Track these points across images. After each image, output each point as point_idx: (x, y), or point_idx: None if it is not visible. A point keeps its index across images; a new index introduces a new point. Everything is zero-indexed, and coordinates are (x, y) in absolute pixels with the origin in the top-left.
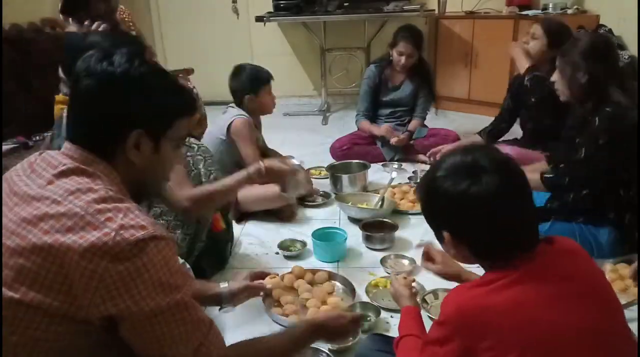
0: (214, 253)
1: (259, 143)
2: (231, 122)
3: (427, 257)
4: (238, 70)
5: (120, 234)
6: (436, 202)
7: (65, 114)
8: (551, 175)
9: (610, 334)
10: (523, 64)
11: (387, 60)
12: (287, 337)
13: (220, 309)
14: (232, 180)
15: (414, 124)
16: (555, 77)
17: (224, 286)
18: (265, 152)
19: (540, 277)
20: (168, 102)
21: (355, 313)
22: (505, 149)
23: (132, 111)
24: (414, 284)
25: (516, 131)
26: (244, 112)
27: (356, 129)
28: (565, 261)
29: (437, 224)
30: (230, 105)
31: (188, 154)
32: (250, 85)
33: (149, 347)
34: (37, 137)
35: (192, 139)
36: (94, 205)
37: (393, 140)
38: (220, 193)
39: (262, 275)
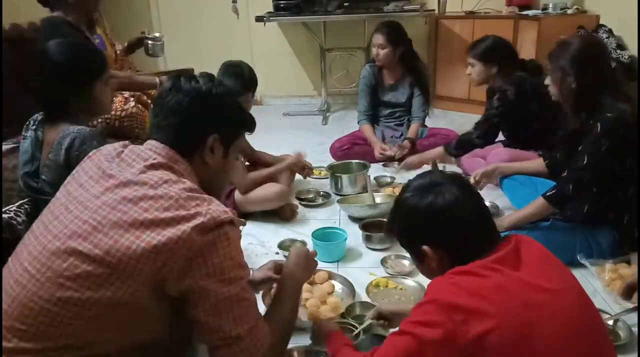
0: None
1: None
2: None
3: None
4: (228, 69)
5: (210, 213)
6: (410, 222)
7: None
8: (553, 191)
9: (579, 312)
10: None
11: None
12: (285, 295)
13: None
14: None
15: (413, 128)
16: (547, 81)
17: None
18: (252, 156)
19: (510, 263)
20: (236, 117)
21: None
22: (501, 151)
23: (212, 120)
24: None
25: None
26: None
27: (356, 129)
28: (527, 252)
29: (415, 242)
30: None
31: None
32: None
33: (215, 321)
34: None
35: None
36: (185, 193)
37: (390, 154)
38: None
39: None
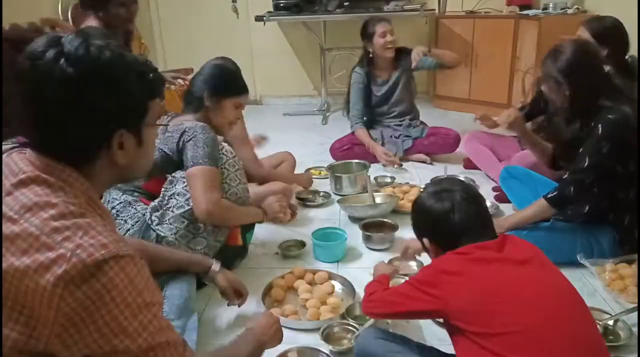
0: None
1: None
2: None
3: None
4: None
5: (77, 254)
6: (415, 217)
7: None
8: (554, 193)
9: (555, 297)
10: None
11: (368, 58)
12: (242, 347)
13: (228, 304)
14: (250, 213)
15: (445, 54)
16: (543, 88)
17: (215, 267)
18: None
19: (501, 256)
20: (140, 90)
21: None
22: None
23: (107, 114)
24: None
25: None
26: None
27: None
28: (518, 249)
29: (418, 234)
30: None
31: (224, 165)
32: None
33: None
34: None
35: (226, 147)
36: (51, 222)
37: (397, 161)
38: (242, 217)
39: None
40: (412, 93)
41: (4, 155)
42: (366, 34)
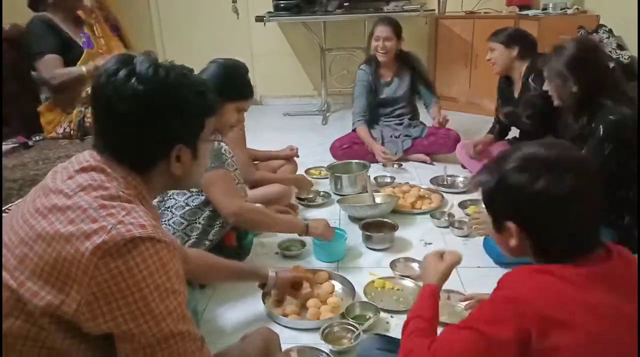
0: None
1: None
2: None
3: None
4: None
5: (117, 228)
6: (508, 193)
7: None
8: None
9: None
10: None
11: (374, 59)
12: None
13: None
14: (286, 221)
15: (435, 109)
16: (546, 86)
17: (272, 274)
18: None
19: (602, 283)
20: (199, 108)
21: None
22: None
23: (170, 130)
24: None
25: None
26: None
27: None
28: (623, 272)
29: (503, 214)
30: None
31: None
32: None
33: None
34: (37, 137)
35: (225, 147)
36: (100, 200)
37: (394, 159)
38: (273, 223)
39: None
40: (416, 94)
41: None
42: (370, 34)
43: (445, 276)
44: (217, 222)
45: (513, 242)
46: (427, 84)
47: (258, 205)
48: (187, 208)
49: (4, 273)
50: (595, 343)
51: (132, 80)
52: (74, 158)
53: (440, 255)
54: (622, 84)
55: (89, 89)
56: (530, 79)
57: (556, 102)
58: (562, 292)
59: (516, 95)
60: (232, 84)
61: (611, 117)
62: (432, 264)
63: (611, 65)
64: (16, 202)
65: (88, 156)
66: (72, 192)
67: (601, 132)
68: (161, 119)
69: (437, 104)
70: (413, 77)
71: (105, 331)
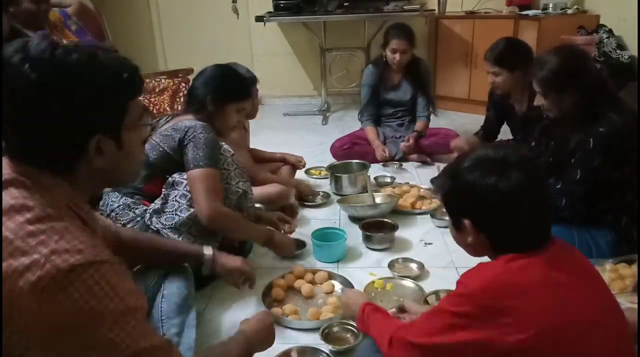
0: None
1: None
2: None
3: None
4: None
5: (52, 260)
6: (462, 191)
7: None
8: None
9: (612, 327)
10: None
11: (382, 61)
12: (232, 350)
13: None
14: (257, 231)
15: (420, 124)
16: (538, 101)
17: (207, 252)
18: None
19: (555, 266)
20: (112, 92)
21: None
22: None
23: (82, 119)
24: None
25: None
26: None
27: (356, 129)
28: (569, 257)
29: (459, 211)
30: None
31: (224, 164)
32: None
33: None
34: None
35: (225, 146)
36: (27, 226)
37: (402, 145)
38: (241, 230)
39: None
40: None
41: None
42: (384, 39)
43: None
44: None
45: (470, 239)
46: (427, 97)
47: (227, 209)
48: (193, 210)
49: None
50: (554, 316)
51: (25, 66)
52: None
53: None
54: (612, 88)
55: None
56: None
57: (552, 115)
58: (511, 278)
59: (518, 109)
60: (230, 85)
61: (601, 129)
62: (353, 294)
63: (598, 66)
64: None
65: (4, 167)
66: None
67: (591, 145)
68: (67, 107)
69: (425, 121)
70: (417, 85)
71: None
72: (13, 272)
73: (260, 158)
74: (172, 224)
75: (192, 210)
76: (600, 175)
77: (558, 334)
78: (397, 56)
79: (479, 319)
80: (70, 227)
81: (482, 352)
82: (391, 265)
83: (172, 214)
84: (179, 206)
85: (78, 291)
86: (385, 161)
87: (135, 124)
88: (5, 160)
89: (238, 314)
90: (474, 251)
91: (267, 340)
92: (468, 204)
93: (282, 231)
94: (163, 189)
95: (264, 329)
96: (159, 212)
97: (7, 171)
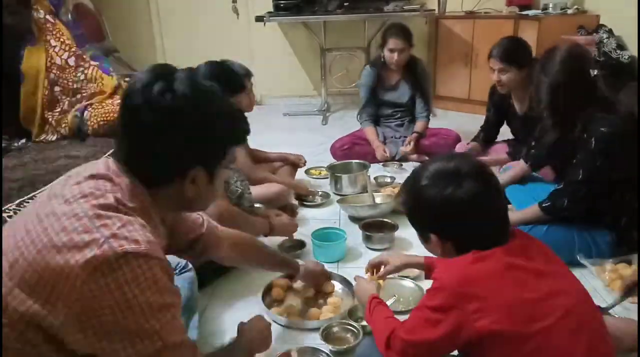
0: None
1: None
2: None
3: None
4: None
5: (109, 242)
6: (423, 207)
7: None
8: (548, 203)
9: (578, 308)
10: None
11: (381, 61)
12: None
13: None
14: (260, 223)
15: (419, 125)
16: (531, 92)
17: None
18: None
19: (515, 254)
20: (226, 134)
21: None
22: (499, 149)
23: (194, 150)
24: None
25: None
26: None
27: (356, 129)
28: (529, 245)
29: (423, 227)
30: None
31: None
32: (229, 87)
33: None
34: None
35: None
36: (97, 210)
37: (403, 149)
38: (248, 225)
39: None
40: (419, 96)
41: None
42: (382, 39)
43: (377, 292)
44: None
45: (438, 251)
46: (425, 98)
47: (238, 209)
48: None
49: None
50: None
51: (167, 96)
52: (90, 164)
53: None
54: (605, 91)
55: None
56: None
57: (543, 113)
58: (476, 269)
59: (518, 109)
60: (224, 79)
61: (602, 129)
62: (365, 285)
63: (594, 73)
64: (20, 200)
65: (102, 164)
66: (73, 199)
67: (593, 145)
68: (187, 138)
69: (425, 121)
70: (415, 85)
71: (93, 350)
72: (73, 246)
73: (260, 158)
74: None
75: None
76: (601, 174)
77: (522, 314)
78: (395, 56)
79: (451, 309)
80: (133, 221)
81: (458, 340)
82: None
83: None
84: None
85: (125, 277)
86: (386, 161)
87: (227, 165)
88: (107, 161)
89: (238, 313)
90: (442, 256)
91: (263, 343)
92: (431, 219)
93: None
94: None
95: (261, 330)
96: None
97: (103, 167)
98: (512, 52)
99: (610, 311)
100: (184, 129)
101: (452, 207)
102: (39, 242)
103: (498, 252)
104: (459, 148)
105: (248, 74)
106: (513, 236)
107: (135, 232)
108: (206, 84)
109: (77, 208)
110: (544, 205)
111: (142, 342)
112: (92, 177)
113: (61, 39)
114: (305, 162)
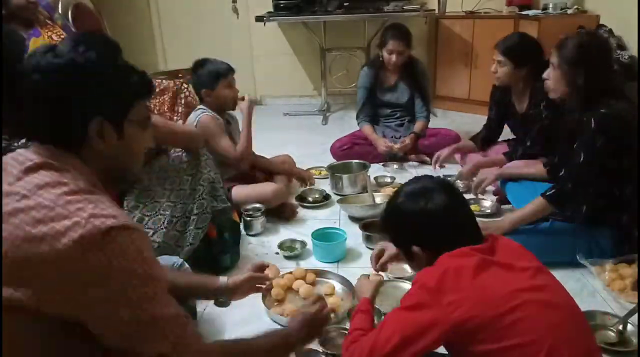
0: (208, 259)
1: (235, 140)
2: (197, 121)
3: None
4: (197, 65)
5: (91, 222)
6: (402, 223)
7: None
8: (552, 191)
9: (555, 299)
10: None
11: (379, 61)
12: (271, 340)
13: (215, 303)
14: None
15: (418, 125)
16: (547, 74)
17: (223, 279)
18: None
19: (489, 252)
20: (122, 85)
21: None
22: (499, 149)
23: (86, 100)
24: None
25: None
26: (207, 109)
27: (356, 129)
28: (505, 245)
29: (406, 243)
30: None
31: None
32: (207, 80)
33: (124, 344)
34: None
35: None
36: (64, 197)
37: (396, 147)
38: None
39: (263, 267)
40: (418, 96)
41: (9, 154)
42: (381, 39)
43: (375, 291)
44: (191, 227)
45: (423, 262)
46: (424, 98)
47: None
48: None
49: None
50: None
51: (48, 55)
52: (9, 160)
53: (368, 277)
54: (621, 83)
55: None
56: (542, 106)
57: (552, 95)
58: (451, 263)
59: (518, 108)
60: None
61: (603, 110)
62: (365, 282)
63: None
64: None
65: (27, 154)
66: (30, 193)
67: (592, 125)
68: (74, 88)
69: (424, 121)
70: (414, 86)
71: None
72: (56, 233)
73: (265, 168)
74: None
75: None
76: (602, 161)
77: (495, 298)
78: (394, 57)
79: (428, 303)
80: (101, 198)
81: (435, 334)
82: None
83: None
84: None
85: (113, 251)
86: (390, 152)
87: (139, 122)
88: (30, 149)
89: (238, 314)
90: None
91: (307, 338)
92: (410, 231)
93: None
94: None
95: (311, 328)
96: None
97: (36, 156)
98: (514, 48)
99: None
100: (67, 80)
101: (428, 217)
102: (16, 239)
103: (469, 249)
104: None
105: (230, 69)
106: (486, 239)
107: (109, 208)
108: (95, 42)
109: (41, 200)
110: (548, 194)
111: (133, 312)
112: (30, 170)
113: (62, 37)
114: (314, 182)
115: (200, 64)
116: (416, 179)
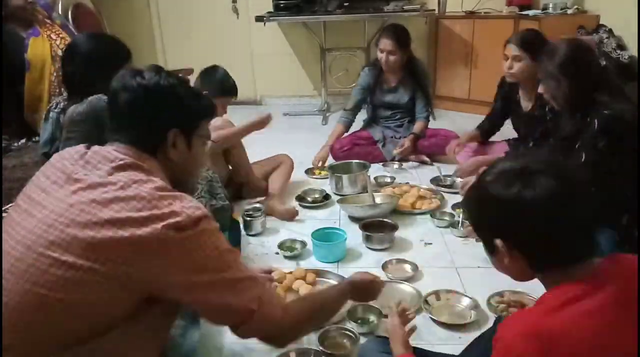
0: None
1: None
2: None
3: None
4: (210, 72)
5: (185, 211)
6: (487, 208)
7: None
8: None
9: None
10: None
11: (379, 62)
12: (334, 293)
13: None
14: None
15: (418, 125)
16: (541, 89)
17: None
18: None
19: (599, 297)
20: (193, 106)
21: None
22: (499, 149)
23: (167, 115)
24: (412, 321)
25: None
26: None
27: (357, 129)
28: (626, 283)
29: (488, 232)
30: None
31: None
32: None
33: (218, 305)
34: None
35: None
36: (157, 192)
37: (395, 152)
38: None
39: (269, 271)
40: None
41: (83, 147)
42: (377, 38)
43: (406, 338)
44: None
45: (506, 260)
46: (425, 98)
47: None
48: None
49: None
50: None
51: (137, 78)
52: (91, 154)
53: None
54: (616, 80)
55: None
56: (547, 109)
57: (553, 104)
58: (544, 324)
59: (524, 106)
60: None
61: (606, 111)
62: (398, 332)
63: (603, 63)
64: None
65: (115, 153)
66: (127, 185)
67: (595, 126)
68: (159, 105)
69: (424, 122)
70: (415, 86)
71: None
72: (156, 218)
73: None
74: None
75: None
76: (603, 162)
77: None
78: (384, 56)
79: None
80: (184, 195)
81: None
82: (385, 266)
83: None
84: None
85: (203, 234)
86: (313, 173)
87: (203, 139)
88: (116, 148)
89: None
90: (514, 273)
91: (364, 296)
92: (495, 221)
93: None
94: None
95: (368, 283)
96: None
97: (124, 156)
98: (531, 40)
99: None
100: (152, 98)
101: (521, 208)
102: (117, 221)
103: (577, 286)
104: (453, 144)
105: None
106: (612, 261)
107: (193, 202)
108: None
109: (140, 192)
110: None
111: (221, 275)
112: (120, 168)
113: (61, 35)
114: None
115: (208, 73)
116: (519, 154)
